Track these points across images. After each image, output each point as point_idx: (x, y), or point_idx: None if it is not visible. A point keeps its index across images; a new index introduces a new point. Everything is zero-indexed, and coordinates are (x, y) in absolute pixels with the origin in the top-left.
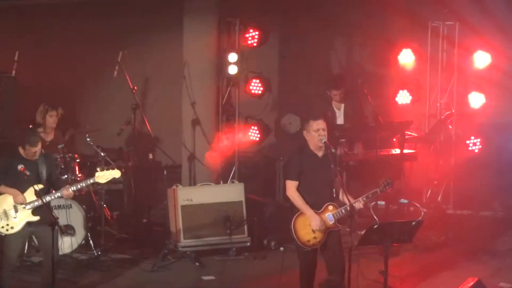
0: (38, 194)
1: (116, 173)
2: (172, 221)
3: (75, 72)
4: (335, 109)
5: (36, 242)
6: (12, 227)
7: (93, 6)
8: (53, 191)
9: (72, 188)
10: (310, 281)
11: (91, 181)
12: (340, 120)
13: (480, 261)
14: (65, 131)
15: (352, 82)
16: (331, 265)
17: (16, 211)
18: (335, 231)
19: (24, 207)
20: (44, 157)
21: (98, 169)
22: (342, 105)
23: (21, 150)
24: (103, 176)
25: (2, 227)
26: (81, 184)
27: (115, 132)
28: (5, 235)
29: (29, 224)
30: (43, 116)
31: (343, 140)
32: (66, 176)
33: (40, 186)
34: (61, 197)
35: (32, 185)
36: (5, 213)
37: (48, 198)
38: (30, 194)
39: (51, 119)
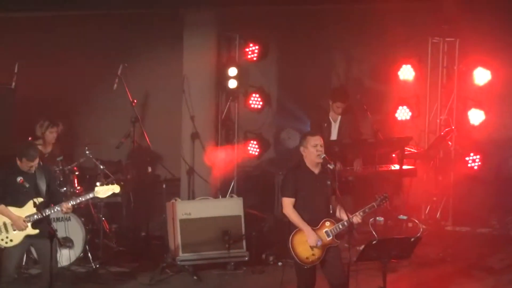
0: (38, 207)
1: (115, 188)
2: (171, 235)
3: (75, 84)
4: (331, 120)
5: (35, 254)
6: (11, 240)
7: (94, 19)
8: (52, 205)
9: (71, 202)
10: None
11: (91, 195)
12: (334, 132)
13: (477, 278)
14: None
15: (351, 97)
16: (332, 281)
17: None
18: (334, 247)
19: (24, 221)
20: (42, 169)
21: (97, 183)
22: (339, 117)
23: (18, 162)
24: (103, 191)
25: (2, 239)
26: (80, 198)
27: (114, 145)
28: (4, 247)
29: (28, 237)
30: (43, 131)
31: (342, 155)
32: (65, 188)
33: (40, 199)
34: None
35: (31, 198)
36: (5, 226)
37: (48, 212)
38: (29, 207)
39: (51, 135)
